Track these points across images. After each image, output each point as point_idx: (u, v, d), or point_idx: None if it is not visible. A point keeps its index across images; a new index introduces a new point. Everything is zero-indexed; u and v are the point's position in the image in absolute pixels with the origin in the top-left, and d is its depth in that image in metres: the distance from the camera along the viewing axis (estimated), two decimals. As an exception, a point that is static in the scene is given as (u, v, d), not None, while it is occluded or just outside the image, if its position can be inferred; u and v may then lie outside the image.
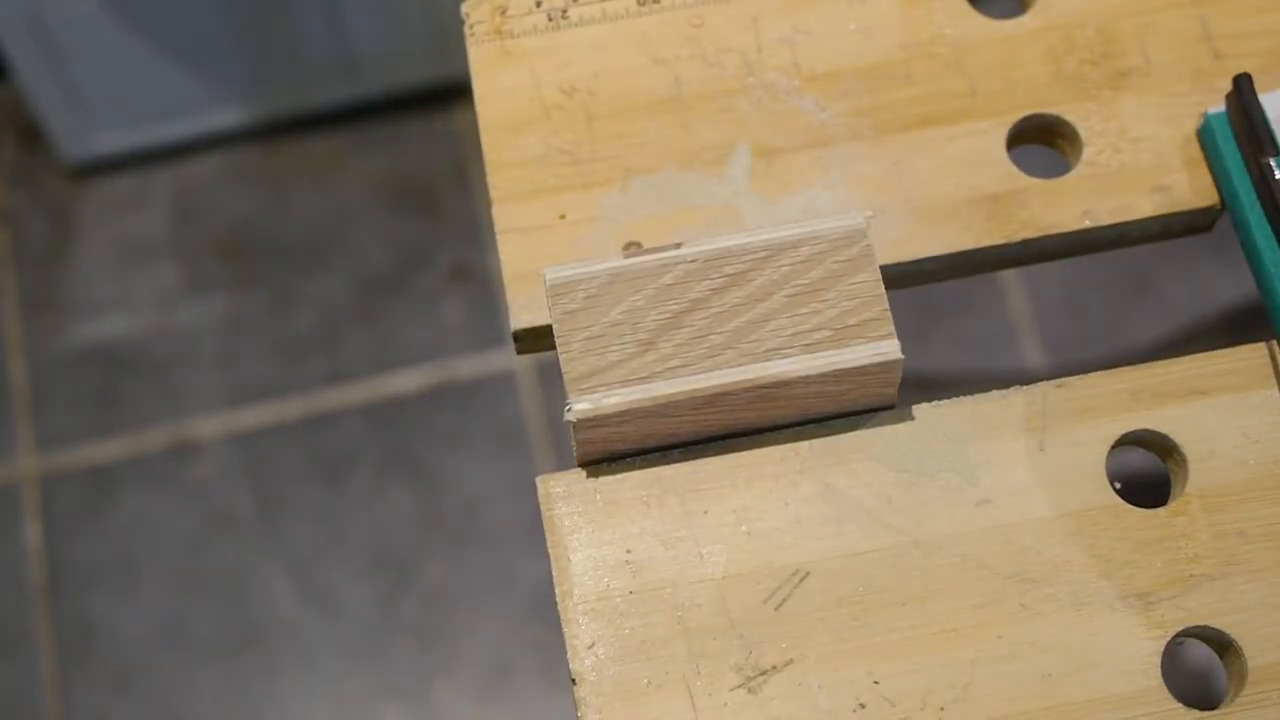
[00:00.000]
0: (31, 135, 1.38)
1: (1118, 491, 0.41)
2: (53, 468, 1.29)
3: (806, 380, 0.39)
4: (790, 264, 0.39)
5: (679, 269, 0.39)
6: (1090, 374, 0.43)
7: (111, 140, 1.35)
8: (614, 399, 0.38)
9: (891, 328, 0.39)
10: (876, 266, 0.39)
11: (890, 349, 0.39)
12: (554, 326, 0.39)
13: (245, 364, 1.32)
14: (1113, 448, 0.42)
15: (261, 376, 1.31)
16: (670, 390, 0.38)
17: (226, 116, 1.35)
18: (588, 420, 0.39)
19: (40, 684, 1.22)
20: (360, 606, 1.24)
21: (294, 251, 1.36)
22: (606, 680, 0.40)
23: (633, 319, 0.39)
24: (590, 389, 0.39)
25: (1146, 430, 0.42)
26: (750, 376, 0.39)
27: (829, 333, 0.39)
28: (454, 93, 1.37)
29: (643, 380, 0.38)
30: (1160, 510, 0.41)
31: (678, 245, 0.40)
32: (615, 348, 0.39)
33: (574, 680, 0.39)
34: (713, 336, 0.39)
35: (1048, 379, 0.42)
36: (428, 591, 1.23)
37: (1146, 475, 0.43)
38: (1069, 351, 1.28)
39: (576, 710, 0.40)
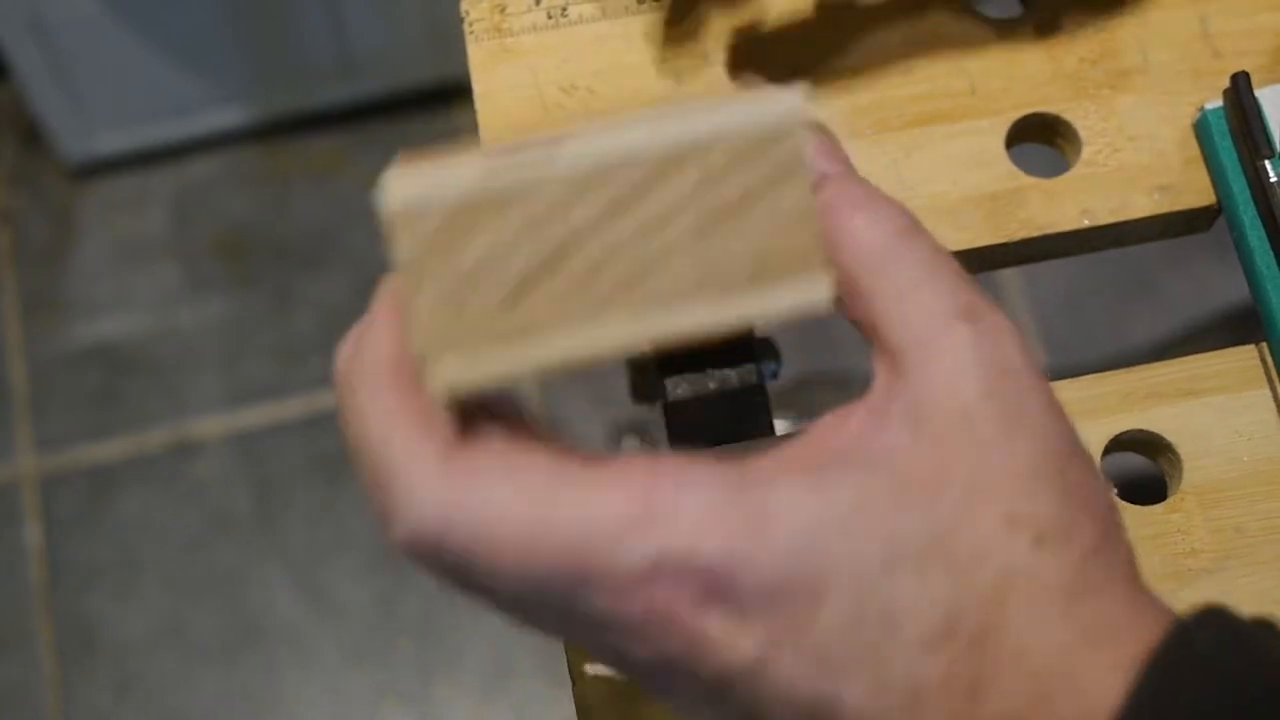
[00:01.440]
0: (31, 135, 1.38)
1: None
2: (53, 468, 1.29)
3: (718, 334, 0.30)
4: (698, 177, 0.29)
5: (551, 191, 0.28)
6: (1083, 376, 0.43)
7: (111, 140, 1.35)
8: (479, 371, 0.29)
9: (823, 258, 0.29)
10: (808, 177, 0.29)
11: (818, 289, 0.29)
12: (398, 277, 0.29)
13: (245, 364, 1.32)
14: (1107, 449, 0.42)
15: (261, 376, 1.31)
16: (549, 355, 0.29)
17: (226, 116, 1.35)
18: (458, 398, 0.29)
19: (40, 684, 1.22)
20: (360, 606, 1.24)
21: (294, 251, 1.36)
22: None
23: (496, 263, 0.29)
24: (449, 361, 0.29)
25: (1141, 430, 0.42)
26: (648, 332, 0.29)
27: (745, 273, 0.29)
28: (454, 92, 1.38)
29: (513, 345, 0.29)
30: (1157, 506, 0.42)
31: (552, 143, 0.29)
32: (476, 302, 0.29)
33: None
34: (599, 283, 0.29)
35: (1048, 379, 0.42)
36: (428, 592, 1.23)
37: (1142, 477, 0.44)
38: (1069, 351, 1.28)
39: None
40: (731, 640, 0.28)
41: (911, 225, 0.31)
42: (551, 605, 0.29)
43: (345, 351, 0.30)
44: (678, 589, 0.28)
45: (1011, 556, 0.28)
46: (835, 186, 0.31)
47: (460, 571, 0.29)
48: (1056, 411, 0.30)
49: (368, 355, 0.30)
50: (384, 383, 0.29)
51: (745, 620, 0.28)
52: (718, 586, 0.28)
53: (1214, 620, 0.28)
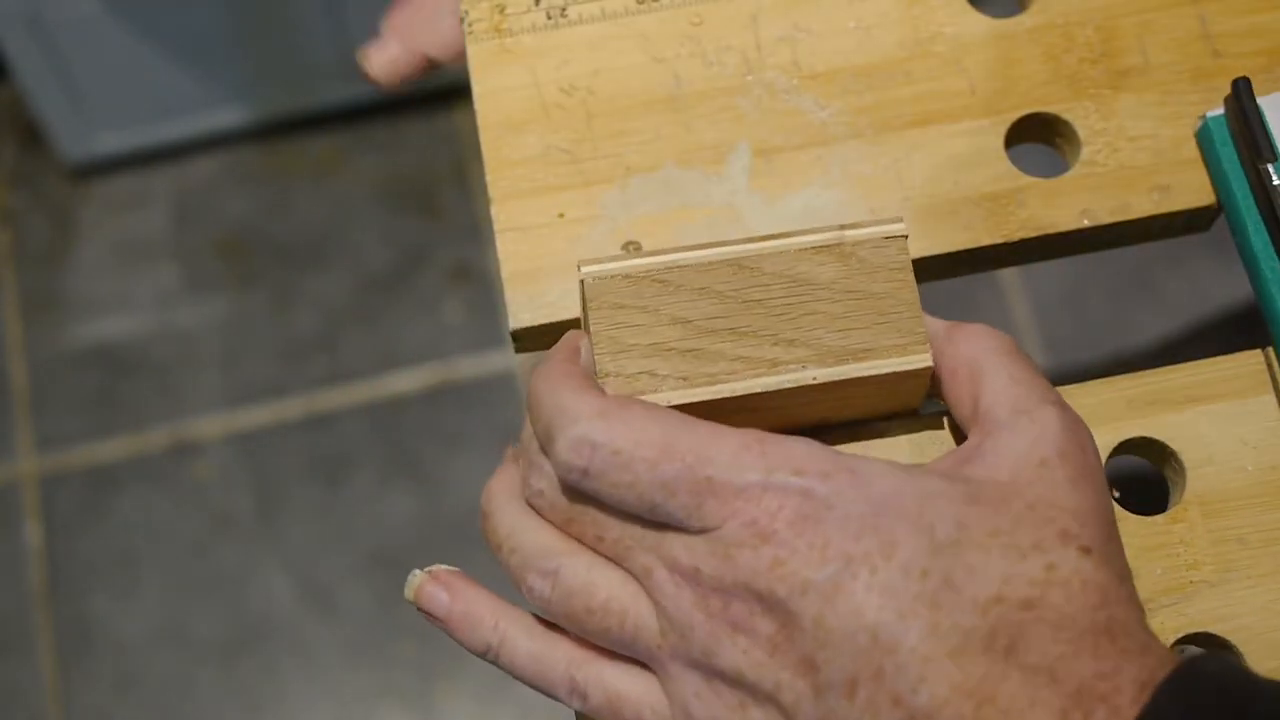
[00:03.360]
0: (31, 135, 1.38)
1: (1116, 500, 0.41)
2: (53, 468, 1.29)
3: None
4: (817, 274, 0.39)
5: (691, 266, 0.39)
6: (1087, 382, 0.43)
7: (111, 140, 1.35)
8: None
9: (923, 335, 0.39)
10: (911, 271, 0.39)
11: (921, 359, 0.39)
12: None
13: (245, 364, 1.32)
14: (1110, 455, 0.42)
15: (261, 376, 1.31)
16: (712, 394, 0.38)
17: (226, 116, 1.35)
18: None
19: (40, 684, 1.22)
20: (360, 607, 1.24)
21: (294, 251, 1.36)
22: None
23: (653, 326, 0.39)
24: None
25: (1144, 437, 0.42)
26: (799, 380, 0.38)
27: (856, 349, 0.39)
28: (454, 92, 1.38)
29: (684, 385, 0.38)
30: (1159, 517, 0.41)
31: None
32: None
33: None
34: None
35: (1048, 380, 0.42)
36: (428, 591, 1.23)
37: (1145, 482, 0.43)
38: (1069, 352, 1.28)
39: None
40: (815, 559, 0.33)
41: (1015, 345, 0.39)
42: (668, 510, 0.35)
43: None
44: (783, 502, 0.34)
45: (1061, 556, 0.34)
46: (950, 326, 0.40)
47: (603, 475, 0.35)
48: (1109, 492, 0.36)
49: (551, 357, 0.38)
50: (559, 365, 0.38)
51: (828, 548, 0.33)
52: (813, 510, 0.34)
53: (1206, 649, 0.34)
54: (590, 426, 0.36)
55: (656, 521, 0.36)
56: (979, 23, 0.47)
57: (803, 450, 0.35)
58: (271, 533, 1.26)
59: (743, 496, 0.34)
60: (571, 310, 0.44)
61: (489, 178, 0.45)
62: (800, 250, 0.39)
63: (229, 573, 1.25)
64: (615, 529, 0.36)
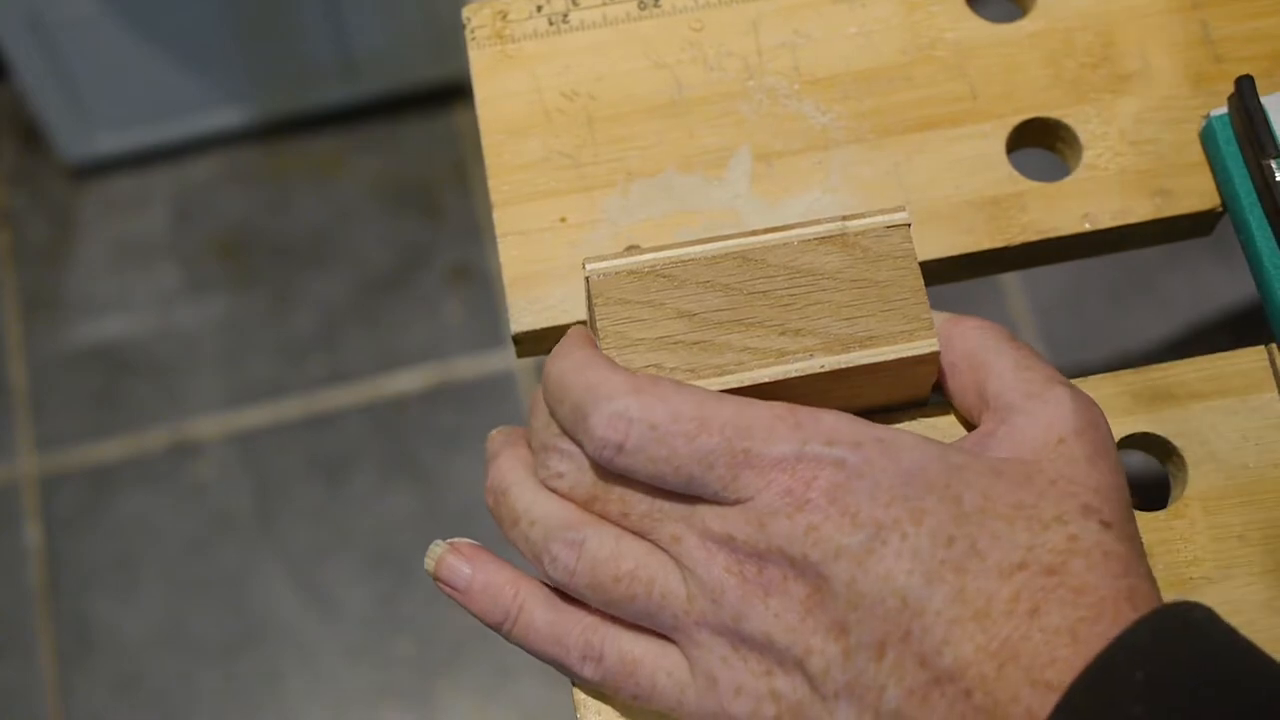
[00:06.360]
0: (31, 135, 1.38)
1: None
2: (53, 468, 1.29)
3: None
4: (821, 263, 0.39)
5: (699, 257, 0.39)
6: (1090, 377, 0.43)
7: (111, 140, 1.35)
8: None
9: (930, 321, 0.39)
10: (916, 261, 0.39)
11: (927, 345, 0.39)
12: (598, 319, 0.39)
13: (245, 364, 1.32)
14: (1113, 449, 0.42)
15: (261, 376, 1.31)
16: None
17: (226, 116, 1.35)
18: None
19: (40, 684, 1.22)
20: (360, 606, 1.24)
21: (294, 251, 1.36)
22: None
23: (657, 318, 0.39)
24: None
25: (1146, 433, 0.42)
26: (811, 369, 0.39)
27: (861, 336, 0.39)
28: (454, 93, 1.38)
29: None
30: (1160, 513, 0.41)
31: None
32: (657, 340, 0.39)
33: None
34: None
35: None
36: (428, 592, 1.23)
37: (1146, 478, 0.43)
38: (1069, 352, 1.28)
39: None
40: (847, 526, 0.34)
41: (1010, 333, 0.40)
42: (705, 482, 0.36)
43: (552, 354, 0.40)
44: (817, 471, 0.35)
45: (1082, 529, 0.34)
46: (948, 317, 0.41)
47: (639, 450, 0.36)
48: (1124, 469, 0.37)
49: (569, 344, 0.39)
50: (581, 349, 0.38)
51: (859, 515, 0.34)
52: (845, 479, 0.35)
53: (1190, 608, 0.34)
54: (625, 403, 0.36)
55: (688, 495, 0.36)
56: (980, 28, 0.47)
57: (834, 421, 0.36)
58: (271, 533, 1.26)
59: (779, 467, 0.35)
60: (573, 314, 0.44)
61: (491, 183, 0.45)
62: (804, 241, 0.39)
63: (229, 573, 1.25)
64: (643, 504, 0.37)
